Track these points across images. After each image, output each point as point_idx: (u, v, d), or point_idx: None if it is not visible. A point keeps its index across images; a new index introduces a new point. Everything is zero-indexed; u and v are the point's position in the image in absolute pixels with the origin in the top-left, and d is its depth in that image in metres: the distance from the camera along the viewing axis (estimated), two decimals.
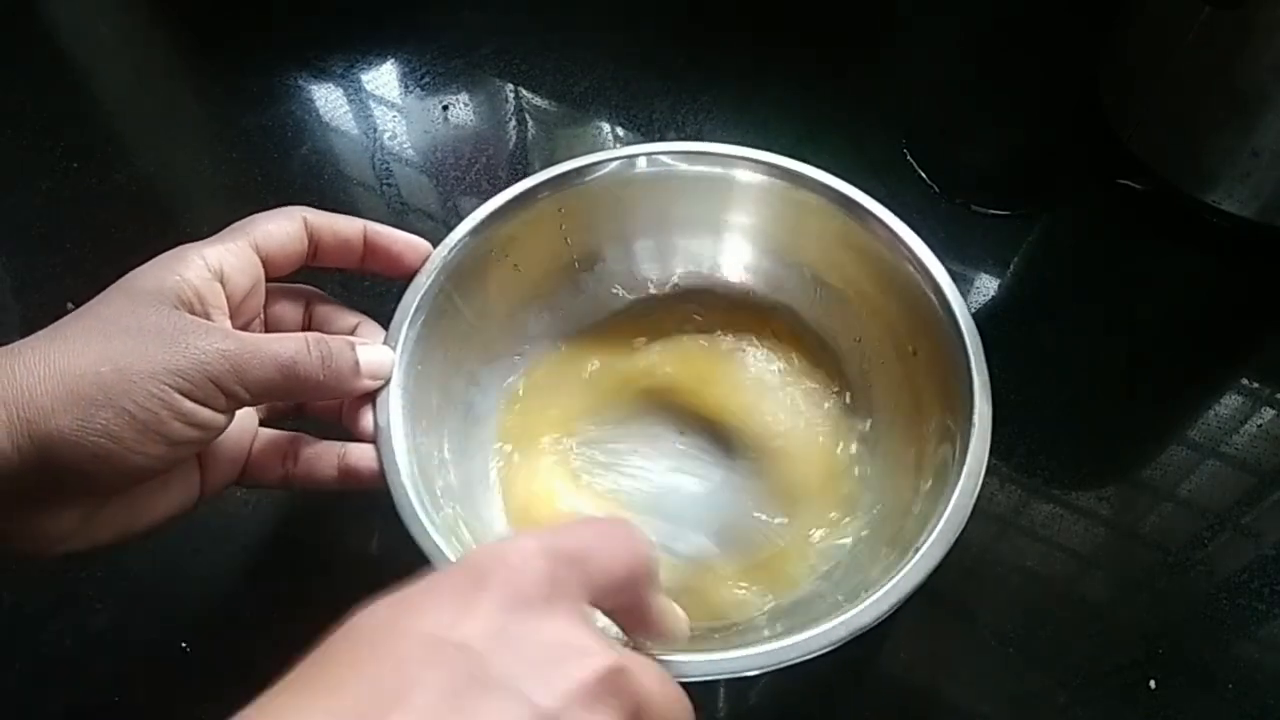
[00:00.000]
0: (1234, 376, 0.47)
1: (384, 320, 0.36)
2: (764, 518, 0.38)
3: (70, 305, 0.29)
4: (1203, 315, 0.50)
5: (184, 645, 0.38)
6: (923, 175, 0.54)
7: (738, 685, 0.37)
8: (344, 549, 0.42)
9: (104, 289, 0.29)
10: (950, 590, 0.40)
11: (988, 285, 0.50)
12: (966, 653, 0.39)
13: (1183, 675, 0.38)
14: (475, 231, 0.38)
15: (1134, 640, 0.39)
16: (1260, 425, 0.45)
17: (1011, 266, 0.51)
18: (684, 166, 0.41)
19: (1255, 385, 0.47)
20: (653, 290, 0.44)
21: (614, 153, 0.40)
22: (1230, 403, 0.46)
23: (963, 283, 0.48)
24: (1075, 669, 0.38)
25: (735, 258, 0.44)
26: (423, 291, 0.36)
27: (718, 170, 0.41)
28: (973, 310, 0.35)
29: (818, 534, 0.38)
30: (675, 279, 0.44)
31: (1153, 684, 0.38)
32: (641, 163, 0.41)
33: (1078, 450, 0.44)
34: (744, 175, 0.41)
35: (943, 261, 0.37)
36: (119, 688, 0.38)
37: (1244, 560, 0.41)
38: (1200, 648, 0.39)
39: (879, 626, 0.29)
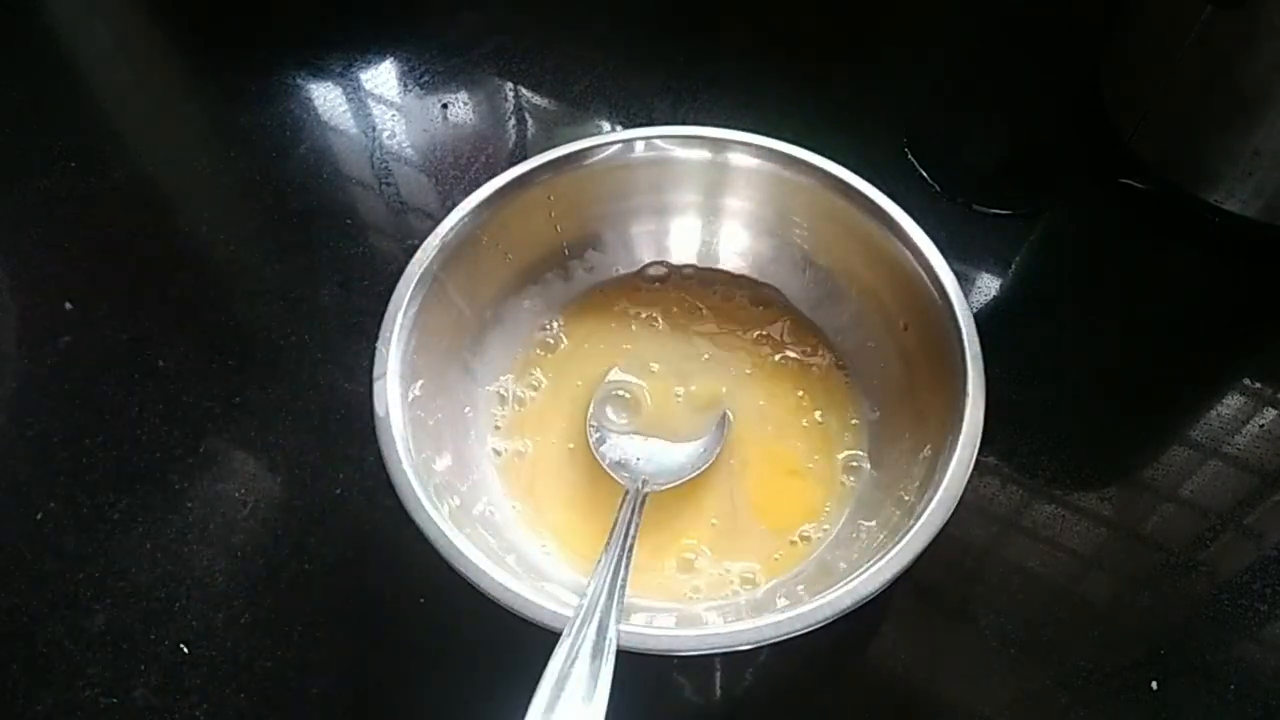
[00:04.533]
0: (1236, 376, 0.47)
1: (382, 316, 0.36)
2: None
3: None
4: (1205, 315, 0.50)
5: (182, 646, 0.38)
6: (924, 175, 0.54)
7: (732, 672, 0.37)
8: (342, 550, 0.42)
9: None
10: (951, 591, 0.40)
11: (989, 285, 0.50)
12: (967, 653, 0.39)
13: (1184, 676, 0.38)
14: (466, 220, 0.38)
15: (1136, 641, 0.39)
16: (1262, 425, 0.45)
17: (1013, 266, 0.51)
18: (676, 151, 0.41)
19: (1257, 385, 0.46)
20: (645, 275, 0.44)
21: (601, 138, 0.40)
22: (1232, 403, 0.46)
23: (965, 282, 0.48)
24: (1077, 670, 0.38)
25: (728, 242, 0.44)
26: (415, 281, 0.36)
27: (709, 154, 0.41)
28: (974, 310, 0.35)
29: (808, 525, 0.38)
30: (667, 264, 0.44)
31: (1154, 685, 0.37)
32: (636, 147, 0.41)
33: (1079, 450, 0.44)
34: (736, 159, 0.41)
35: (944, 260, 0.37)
36: (116, 689, 0.38)
37: (1246, 561, 0.41)
38: (1202, 649, 0.39)
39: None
